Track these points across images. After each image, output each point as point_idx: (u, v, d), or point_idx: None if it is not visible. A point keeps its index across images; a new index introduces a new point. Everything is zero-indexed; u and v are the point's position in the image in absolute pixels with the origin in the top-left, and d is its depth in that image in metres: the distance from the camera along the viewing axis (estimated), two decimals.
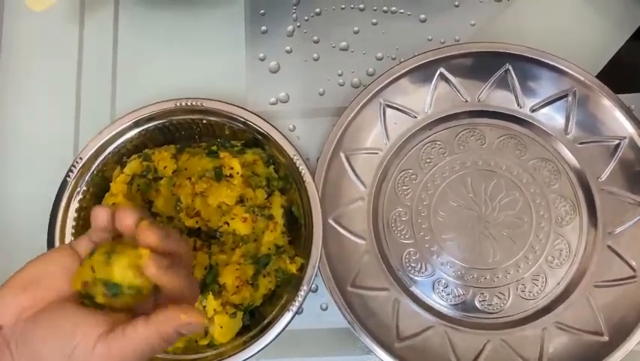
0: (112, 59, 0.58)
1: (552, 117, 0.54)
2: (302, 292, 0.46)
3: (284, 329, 0.46)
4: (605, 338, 0.48)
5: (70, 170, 0.50)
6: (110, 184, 0.50)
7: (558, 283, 0.51)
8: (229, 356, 0.46)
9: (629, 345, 0.47)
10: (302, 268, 0.47)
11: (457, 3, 0.58)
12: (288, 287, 0.48)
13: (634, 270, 0.50)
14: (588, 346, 0.49)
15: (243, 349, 0.46)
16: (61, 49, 0.59)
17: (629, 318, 0.48)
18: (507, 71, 0.53)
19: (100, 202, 0.51)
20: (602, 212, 0.52)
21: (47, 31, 0.59)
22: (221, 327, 0.46)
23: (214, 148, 0.51)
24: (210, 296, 0.46)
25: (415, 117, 0.54)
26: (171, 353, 0.47)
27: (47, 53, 0.59)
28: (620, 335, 0.48)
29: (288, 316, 0.46)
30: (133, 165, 0.50)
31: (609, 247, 0.51)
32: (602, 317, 0.49)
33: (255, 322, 0.48)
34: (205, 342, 0.47)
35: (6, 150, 0.57)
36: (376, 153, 0.54)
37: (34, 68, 0.59)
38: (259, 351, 0.46)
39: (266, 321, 0.47)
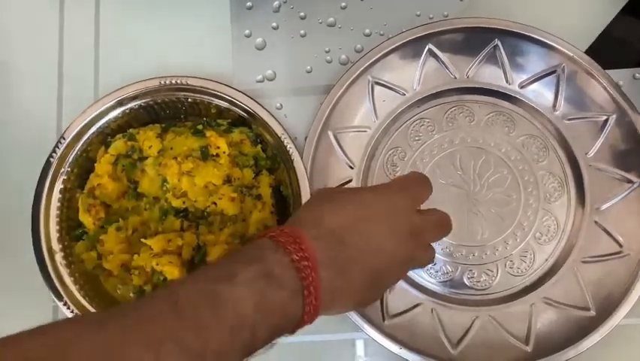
0: (94, 36, 0.57)
1: (541, 93, 0.53)
2: None
3: None
4: (592, 313, 0.49)
5: (53, 150, 0.49)
6: (95, 165, 0.50)
7: (546, 260, 0.52)
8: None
9: (615, 320, 0.48)
10: None
11: None
12: None
13: (621, 245, 0.51)
14: (575, 321, 0.49)
15: None
16: (42, 27, 0.57)
17: (616, 293, 0.49)
18: (496, 47, 0.53)
19: (84, 183, 0.50)
20: (590, 188, 0.52)
21: (27, 9, 0.58)
22: None
23: (200, 127, 0.50)
24: None
25: (404, 94, 0.54)
26: None
27: (27, 32, 0.57)
28: (606, 309, 0.48)
29: None
30: (117, 144, 0.50)
31: (596, 222, 0.51)
32: (589, 292, 0.50)
33: None
34: None
35: None
36: (365, 131, 0.54)
37: (15, 46, 0.57)
38: None
39: None
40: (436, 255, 0.51)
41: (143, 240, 0.46)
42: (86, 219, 0.48)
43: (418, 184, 0.42)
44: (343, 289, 0.36)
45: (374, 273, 0.37)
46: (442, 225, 0.43)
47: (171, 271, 0.45)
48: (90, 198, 0.49)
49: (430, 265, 0.52)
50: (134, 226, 0.48)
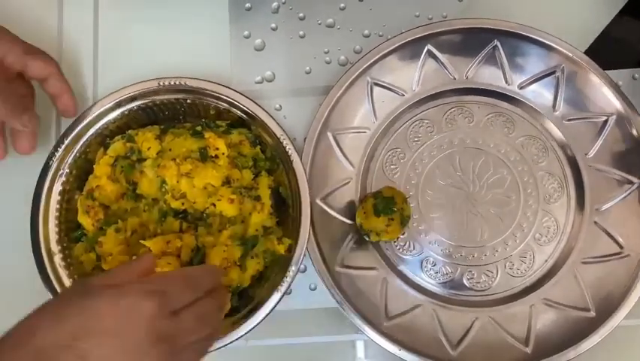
0: (93, 37, 0.57)
1: (540, 94, 0.53)
2: (290, 273, 0.46)
3: (272, 309, 0.46)
4: (592, 314, 0.49)
5: (52, 152, 0.49)
6: (94, 166, 0.49)
7: (546, 260, 0.52)
8: (218, 337, 0.46)
9: (615, 320, 0.48)
10: (290, 249, 0.47)
11: None
12: (276, 268, 0.48)
13: (621, 246, 0.51)
14: (575, 322, 0.49)
15: (232, 330, 0.45)
16: (41, 28, 0.57)
17: (616, 294, 0.49)
18: (495, 47, 0.53)
19: (83, 185, 0.50)
20: (590, 189, 0.52)
21: (26, 9, 0.58)
22: None
23: (199, 128, 0.50)
24: None
25: (403, 95, 0.54)
26: None
27: (26, 33, 0.57)
28: (606, 310, 0.48)
29: (276, 296, 0.46)
30: (116, 146, 0.50)
31: (596, 223, 0.51)
32: (589, 293, 0.50)
33: (243, 303, 0.48)
34: None
35: None
36: (364, 132, 0.54)
37: None
38: (248, 332, 0.45)
39: (255, 302, 0.47)
40: (436, 256, 0.52)
41: (141, 241, 0.46)
42: (85, 221, 0.48)
43: (176, 284, 0.37)
44: None
45: None
46: (204, 321, 0.38)
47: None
48: (89, 199, 0.49)
49: (430, 266, 0.52)
50: (132, 228, 0.48)
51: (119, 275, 0.37)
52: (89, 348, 0.32)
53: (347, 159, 0.53)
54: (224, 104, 0.50)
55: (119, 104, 0.50)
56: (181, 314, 0.36)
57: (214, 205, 0.47)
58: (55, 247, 0.48)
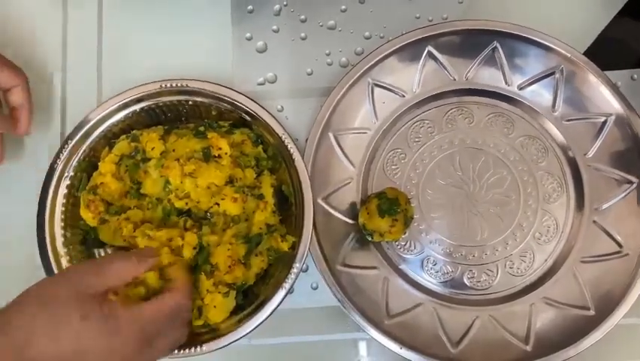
0: (97, 40, 0.57)
1: (539, 94, 0.54)
2: (295, 270, 0.46)
3: (278, 306, 0.46)
4: (592, 312, 0.49)
5: (57, 155, 0.49)
6: (99, 163, 0.50)
7: (546, 260, 0.52)
8: (224, 335, 0.46)
9: (614, 319, 0.48)
10: (294, 246, 0.47)
11: None
12: (280, 265, 0.49)
13: (620, 245, 0.51)
14: (575, 320, 0.49)
15: (238, 328, 0.46)
16: (45, 31, 0.58)
17: (615, 292, 0.49)
18: (495, 48, 0.53)
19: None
20: (589, 188, 0.52)
21: (30, 12, 0.58)
22: (214, 307, 0.46)
23: (202, 129, 0.51)
24: (202, 276, 0.46)
25: (404, 96, 0.54)
26: None
27: (30, 37, 0.58)
28: (606, 309, 0.49)
29: (281, 293, 0.46)
30: (121, 145, 0.50)
31: (595, 222, 0.52)
32: (589, 292, 0.50)
33: (248, 301, 0.48)
34: (200, 323, 0.47)
35: None
36: (365, 133, 0.54)
37: (17, 52, 0.57)
38: (253, 329, 0.46)
39: (260, 300, 0.47)
40: (437, 255, 0.52)
41: (147, 231, 0.46)
42: (86, 215, 0.49)
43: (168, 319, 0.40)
44: None
45: None
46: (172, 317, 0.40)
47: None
48: (91, 194, 0.49)
49: (430, 265, 0.52)
50: (134, 220, 0.48)
51: None
52: None
53: (348, 159, 0.53)
54: (226, 105, 0.50)
55: (122, 107, 0.50)
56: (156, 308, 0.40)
57: (218, 204, 0.48)
58: (61, 250, 0.48)
